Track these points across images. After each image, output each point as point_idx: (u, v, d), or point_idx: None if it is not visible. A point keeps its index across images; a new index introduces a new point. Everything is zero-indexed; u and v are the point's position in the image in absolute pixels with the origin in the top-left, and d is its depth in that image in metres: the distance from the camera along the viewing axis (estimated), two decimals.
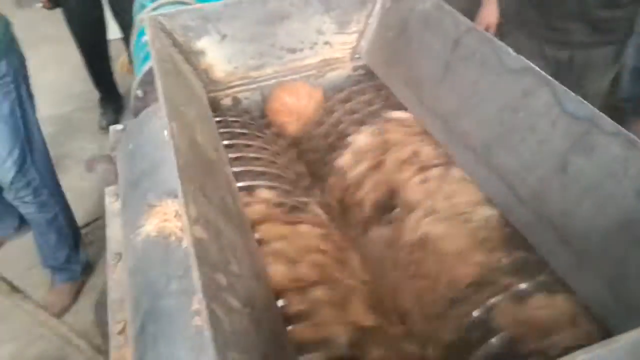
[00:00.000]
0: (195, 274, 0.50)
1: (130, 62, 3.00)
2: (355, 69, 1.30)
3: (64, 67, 3.44)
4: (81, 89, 3.21)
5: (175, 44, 1.09)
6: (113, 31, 3.04)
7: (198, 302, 0.49)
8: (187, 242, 0.55)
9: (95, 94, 3.09)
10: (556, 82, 0.77)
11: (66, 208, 2.01)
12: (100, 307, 2.00)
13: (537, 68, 0.81)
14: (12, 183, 1.80)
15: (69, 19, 2.67)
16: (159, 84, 0.82)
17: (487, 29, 1.86)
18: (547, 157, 0.78)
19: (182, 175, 0.64)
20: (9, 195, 1.86)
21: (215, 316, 0.49)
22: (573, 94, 0.75)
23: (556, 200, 0.76)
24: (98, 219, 2.36)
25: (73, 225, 2.07)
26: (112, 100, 3.03)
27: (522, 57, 0.84)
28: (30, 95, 1.80)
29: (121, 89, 3.15)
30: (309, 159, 1.15)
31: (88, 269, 2.16)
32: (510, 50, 0.86)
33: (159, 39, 1.02)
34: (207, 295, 0.49)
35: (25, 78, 1.77)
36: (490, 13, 1.90)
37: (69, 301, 2.09)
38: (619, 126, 0.69)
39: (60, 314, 2.06)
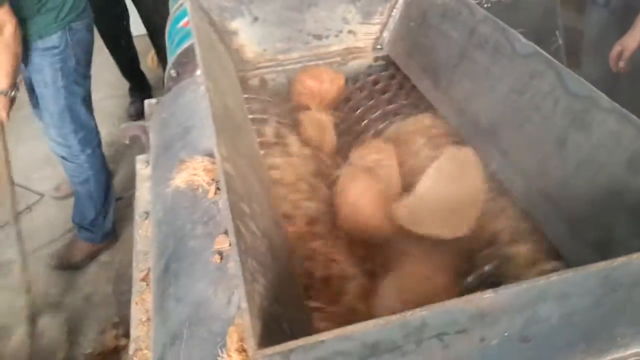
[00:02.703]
0: (222, 186, 0.57)
1: (158, 52, 3.14)
2: (376, 59, 1.37)
3: (96, 57, 3.60)
4: (111, 77, 3.35)
5: (211, 22, 1.18)
6: (140, 27, 3.20)
7: (225, 219, 0.56)
8: (219, 173, 0.62)
9: (124, 83, 3.22)
10: (560, 65, 0.84)
11: (99, 175, 2.14)
12: (119, 279, 2.09)
13: (545, 53, 0.87)
14: (50, 137, 2.02)
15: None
16: (197, 49, 0.91)
17: (622, 52, 1.89)
18: (548, 134, 0.84)
19: (215, 121, 0.71)
20: (51, 148, 2.07)
21: (238, 228, 0.56)
22: (575, 75, 0.81)
23: (555, 173, 0.83)
24: (119, 199, 2.47)
25: (104, 192, 2.19)
26: (141, 90, 3.16)
27: (531, 43, 0.90)
28: (81, 73, 1.95)
29: (152, 80, 3.28)
30: None
31: (109, 237, 2.26)
32: (521, 37, 0.93)
33: (198, 16, 1.11)
34: (233, 211, 0.56)
35: (78, 56, 1.91)
36: (633, 39, 1.91)
37: (80, 259, 2.21)
38: (615, 103, 0.75)
39: (63, 267, 2.19)
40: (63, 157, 2.05)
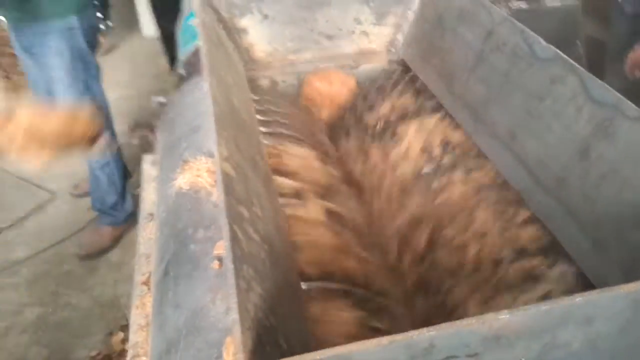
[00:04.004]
0: (220, 187, 0.54)
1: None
2: (390, 62, 1.33)
3: (107, 58, 3.64)
4: (123, 77, 3.37)
5: (220, 19, 1.15)
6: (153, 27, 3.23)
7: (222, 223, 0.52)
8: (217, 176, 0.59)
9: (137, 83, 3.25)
10: (583, 70, 0.79)
11: (119, 158, 2.18)
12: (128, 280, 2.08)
13: (566, 56, 0.83)
14: None
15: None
16: (202, 45, 0.88)
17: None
18: (570, 143, 0.80)
19: (217, 120, 0.68)
20: None
21: (235, 234, 0.52)
22: (599, 80, 0.77)
23: (576, 185, 0.78)
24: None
25: (123, 175, 2.22)
26: None
27: (552, 46, 0.86)
28: (91, 53, 1.98)
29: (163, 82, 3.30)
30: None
31: (131, 218, 2.28)
32: (541, 40, 0.88)
33: (206, 12, 1.08)
34: (230, 216, 0.53)
35: (89, 38, 1.94)
36: None
37: (108, 244, 2.24)
38: None
39: (92, 256, 2.20)
40: None
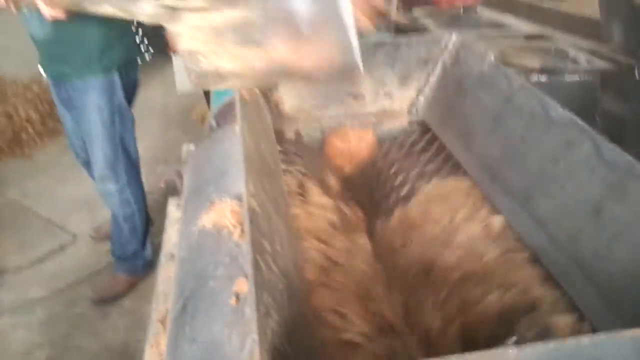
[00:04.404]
0: (246, 220, 0.57)
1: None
2: (411, 123, 1.39)
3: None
4: (148, 124, 3.51)
5: None
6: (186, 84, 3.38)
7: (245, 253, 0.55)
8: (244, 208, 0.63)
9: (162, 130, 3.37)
10: (597, 133, 0.83)
11: (143, 209, 2.23)
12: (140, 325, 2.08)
13: (581, 122, 0.87)
14: (100, 177, 2.08)
15: None
16: (237, 95, 0.94)
17: None
18: (584, 203, 0.82)
19: (246, 159, 0.73)
20: (97, 185, 2.14)
21: (257, 263, 0.55)
22: (612, 144, 0.80)
23: (588, 244, 0.80)
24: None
25: (146, 224, 2.27)
26: None
27: (567, 111, 0.90)
28: (129, 113, 2.07)
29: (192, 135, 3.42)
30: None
31: (149, 267, 2.30)
32: (558, 105, 0.93)
33: None
34: (253, 245, 0.56)
35: (130, 95, 2.04)
36: None
37: (123, 291, 2.25)
38: None
39: (104, 300, 2.22)
40: (110, 193, 2.12)
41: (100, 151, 2.02)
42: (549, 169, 0.90)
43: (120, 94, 1.97)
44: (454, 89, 1.25)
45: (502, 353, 0.45)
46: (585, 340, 0.46)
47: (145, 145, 2.34)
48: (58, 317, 2.19)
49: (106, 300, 2.24)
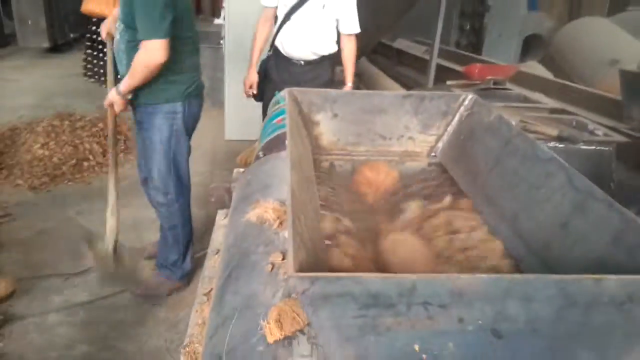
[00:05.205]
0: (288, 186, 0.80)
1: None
2: (430, 164, 1.62)
3: None
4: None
5: (300, 112, 1.50)
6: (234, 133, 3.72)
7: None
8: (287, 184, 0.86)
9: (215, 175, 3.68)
10: (570, 167, 1.04)
11: (187, 224, 2.56)
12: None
13: (559, 158, 1.08)
14: (153, 187, 2.42)
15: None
16: (287, 125, 1.20)
17: None
18: (556, 219, 1.02)
19: (292, 163, 0.97)
20: (148, 194, 2.50)
21: (296, 221, 0.78)
22: (580, 174, 1.01)
23: (556, 250, 0.99)
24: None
25: (188, 238, 2.58)
26: None
27: (550, 150, 1.12)
28: (187, 136, 2.41)
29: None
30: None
31: (187, 277, 2.59)
32: (544, 146, 1.15)
33: (292, 106, 1.43)
34: (294, 208, 0.79)
35: (188, 123, 2.37)
36: None
37: (160, 293, 2.56)
38: (606, 194, 0.93)
39: (144, 296, 2.53)
40: (160, 204, 2.43)
41: (156, 166, 2.36)
42: (533, 194, 1.11)
43: (179, 121, 2.33)
44: (466, 136, 1.48)
45: (458, 277, 0.65)
46: (518, 276, 0.66)
47: (193, 182, 2.64)
48: (99, 320, 2.43)
49: (144, 297, 2.52)
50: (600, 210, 0.93)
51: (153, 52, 2.02)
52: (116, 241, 2.51)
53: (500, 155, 1.29)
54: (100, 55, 5.99)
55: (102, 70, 5.74)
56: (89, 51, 6.27)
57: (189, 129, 2.42)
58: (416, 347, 0.71)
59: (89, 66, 6.35)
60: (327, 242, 1.06)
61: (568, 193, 1.02)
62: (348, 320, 0.67)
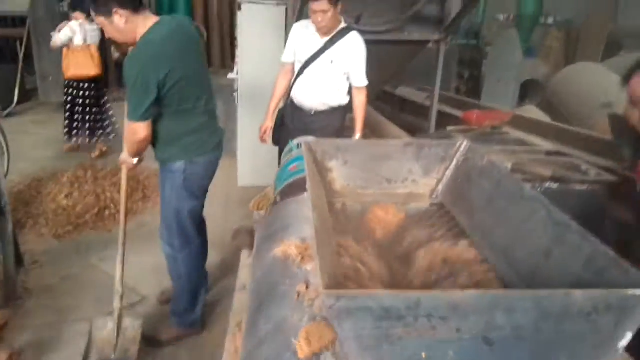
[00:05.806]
0: (313, 223, 0.98)
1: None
2: (432, 205, 1.80)
3: None
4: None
5: (315, 160, 1.70)
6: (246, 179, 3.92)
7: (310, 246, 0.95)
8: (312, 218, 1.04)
9: (229, 220, 3.86)
10: (551, 204, 1.22)
11: (192, 274, 2.67)
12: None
13: (542, 196, 1.26)
14: (160, 236, 2.65)
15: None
16: (307, 171, 1.39)
17: None
18: (540, 250, 1.19)
19: (312, 200, 1.15)
20: (163, 247, 2.68)
21: (321, 248, 0.96)
22: (559, 210, 1.18)
23: (541, 276, 1.15)
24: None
25: (195, 290, 2.70)
26: None
27: (533, 190, 1.30)
28: (189, 195, 2.57)
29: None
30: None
31: (196, 325, 2.69)
32: (528, 187, 1.33)
33: (309, 155, 1.63)
34: (317, 239, 0.97)
35: (190, 182, 2.53)
36: None
37: (167, 340, 2.69)
38: (581, 227, 1.10)
39: (150, 341, 2.64)
40: (166, 253, 2.61)
41: (163, 218, 2.56)
42: (520, 228, 1.28)
43: (179, 180, 2.47)
44: (463, 179, 1.67)
45: (453, 293, 0.82)
46: (501, 292, 0.83)
47: (208, 227, 2.83)
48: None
49: (152, 342, 2.65)
50: (575, 240, 1.10)
51: (134, 131, 2.30)
52: (121, 310, 2.57)
53: (492, 195, 1.47)
54: (79, 117, 5.48)
55: (80, 132, 5.44)
56: (68, 114, 5.48)
57: (193, 187, 2.56)
58: (423, 355, 0.87)
59: (66, 129, 5.58)
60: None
61: (549, 227, 1.19)
62: (367, 331, 0.84)
